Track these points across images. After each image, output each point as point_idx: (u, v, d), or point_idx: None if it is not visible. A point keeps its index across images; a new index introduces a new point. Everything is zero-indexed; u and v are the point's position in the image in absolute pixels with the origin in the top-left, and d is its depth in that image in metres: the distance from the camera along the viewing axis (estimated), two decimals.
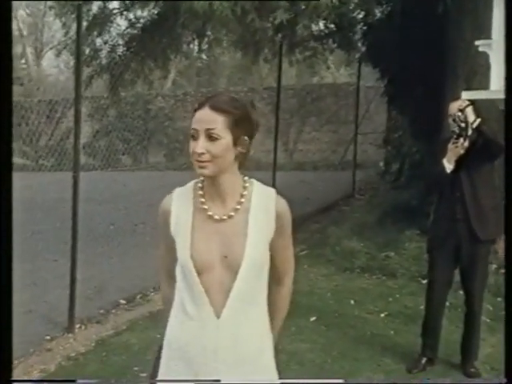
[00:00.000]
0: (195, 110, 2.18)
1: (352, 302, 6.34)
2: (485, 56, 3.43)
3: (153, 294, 6.65)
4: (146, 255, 7.77)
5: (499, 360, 4.79)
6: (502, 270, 6.44)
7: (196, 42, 9.37)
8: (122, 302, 6.48)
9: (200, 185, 2.28)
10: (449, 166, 4.39)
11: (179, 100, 20.90)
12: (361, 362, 4.88)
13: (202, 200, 2.24)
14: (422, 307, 5.77)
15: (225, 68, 26.60)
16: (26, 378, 4.38)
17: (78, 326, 5.78)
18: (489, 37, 2.52)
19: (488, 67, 6.39)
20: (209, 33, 8.04)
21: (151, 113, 20.31)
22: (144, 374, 4.72)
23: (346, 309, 6.15)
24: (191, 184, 2.32)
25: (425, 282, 6.61)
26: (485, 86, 5.83)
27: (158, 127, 20.07)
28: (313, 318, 5.81)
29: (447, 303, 5.01)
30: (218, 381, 2.29)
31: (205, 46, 9.26)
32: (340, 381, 3.76)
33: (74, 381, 4.21)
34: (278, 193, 2.36)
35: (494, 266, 6.34)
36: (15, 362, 5.03)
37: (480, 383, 4.05)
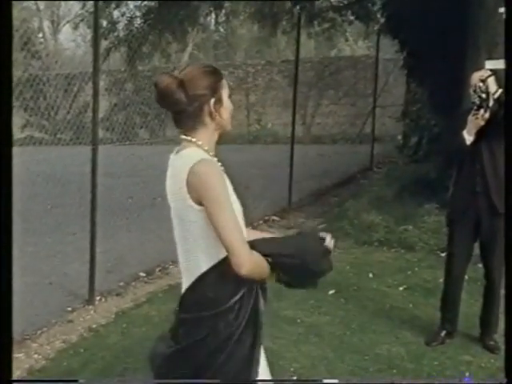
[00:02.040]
0: (221, 79, 2.40)
1: (371, 275, 6.34)
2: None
3: (172, 267, 6.69)
4: (164, 228, 7.80)
5: None
6: None
7: (213, 15, 9.31)
8: (142, 274, 6.53)
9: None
10: (469, 137, 4.31)
11: None
12: (379, 335, 4.89)
13: None
14: (441, 280, 5.76)
15: (242, 41, 26.43)
16: (28, 378, 4.42)
17: (98, 298, 5.85)
18: None
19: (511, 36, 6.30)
20: (226, 4, 7.97)
21: None
22: None
23: (365, 282, 6.15)
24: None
25: (443, 255, 6.58)
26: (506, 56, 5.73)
27: None
28: (332, 292, 5.82)
29: (466, 277, 5.01)
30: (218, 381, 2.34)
31: (222, 19, 9.18)
32: (335, 381, 3.78)
33: (76, 381, 4.24)
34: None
35: None
36: (38, 331, 5.11)
37: (480, 383, 4.04)
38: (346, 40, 16.05)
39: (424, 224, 7.43)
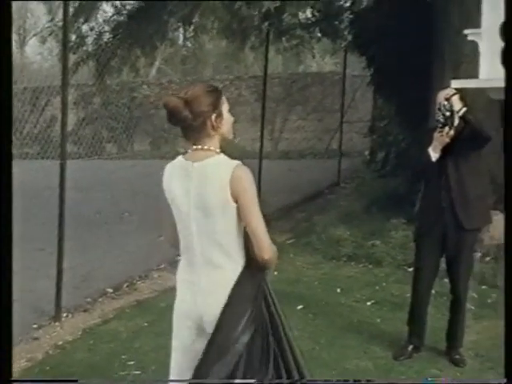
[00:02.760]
0: (221, 96, 2.80)
1: (339, 290, 6.37)
2: (472, 44, 3.46)
3: (140, 283, 6.65)
4: (132, 243, 7.77)
5: (484, 346, 4.86)
6: (487, 258, 6.52)
7: (182, 30, 9.33)
8: (109, 290, 6.48)
9: None
10: (434, 154, 4.39)
11: (165, 88, 20.81)
12: (348, 350, 4.91)
13: None
14: (409, 295, 5.81)
15: (210, 56, 26.49)
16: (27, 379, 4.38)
17: (64, 314, 5.78)
18: (477, 26, 2.52)
19: (475, 56, 6.44)
20: (195, 20, 8.00)
21: (136, 101, 20.21)
22: (131, 362, 4.73)
23: (333, 297, 6.18)
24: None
25: (411, 270, 6.65)
26: (472, 74, 5.85)
27: (144, 115, 19.98)
28: (300, 307, 5.83)
29: (433, 291, 5.07)
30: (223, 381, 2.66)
31: (191, 34, 9.21)
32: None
33: (75, 381, 4.24)
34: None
35: (479, 255, 6.40)
36: None
37: (480, 383, 4.09)
38: (314, 56, 16.19)
39: (391, 239, 7.49)
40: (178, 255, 7.93)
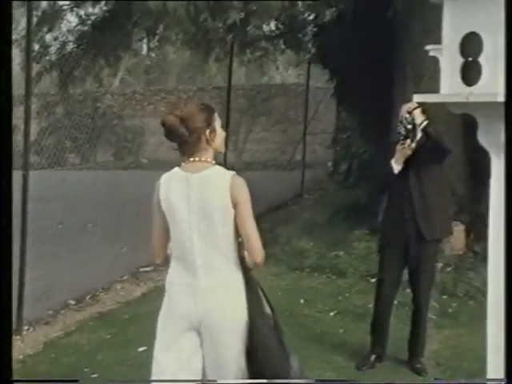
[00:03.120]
0: (214, 113, 3.08)
1: (302, 301, 6.40)
2: (432, 59, 3.52)
3: (103, 294, 6.60)
4: (95, 254, 7.70)
5: (444, 355, 4.94)
6: (448, 268, 6.62)
7: (146, 40, 9.32)
8: (72, 302, 6.41)
9: None
10: (397, 166, 4.47)
11: (128, 98, 20.74)
12: (311, 360, 4.92)
13: None
14: (371, 305, 5.88)
15: (174, 66, 26.45)
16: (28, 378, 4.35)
17: (26, 327, 5.69)
18: (438, 41, 2.58)
19: (436, 70, 6.56)
20: (160, 31, 8.00)
21: (99, 111, 20.09)
22: (95, 375, 4.69)
23: (297, 308, 6.20)
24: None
25: (373, 280, 6.73)
26: (432, 88, 5.96)
27: (107, 125, 19.89)
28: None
29: (395, 301, 5.13)
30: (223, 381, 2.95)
31: (155, 44, 9.21)
32: (311, 381, 3.86)
33: (76, 381, 4.25)
34: None
35: (440, 265, 6.49)
36: None
37: (480, 383, 4.14)
38: (277, 68, 16.31)
39: (354, 250, 7.56)
40: (141, 267, 7.89)
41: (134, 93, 21.22)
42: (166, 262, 3.17)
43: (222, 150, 3.15)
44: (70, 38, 8.36)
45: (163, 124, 2.98)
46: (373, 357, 4.82)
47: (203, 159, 3.01)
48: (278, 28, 9.43)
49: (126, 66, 23.63)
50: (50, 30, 7.95)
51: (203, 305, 2.97)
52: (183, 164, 3.04)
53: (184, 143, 3.00)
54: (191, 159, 3.02)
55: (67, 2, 7.93)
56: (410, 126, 4.32)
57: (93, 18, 8.12)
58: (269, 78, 26.05)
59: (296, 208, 11.78)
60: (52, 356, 5.12)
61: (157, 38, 8.52)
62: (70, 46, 8.37)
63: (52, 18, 7.54)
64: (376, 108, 9.02)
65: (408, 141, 4.35)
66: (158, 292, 6.64)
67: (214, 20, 5.87)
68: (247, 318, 2.98)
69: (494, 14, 2.27)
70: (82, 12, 8.14)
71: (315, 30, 10.14)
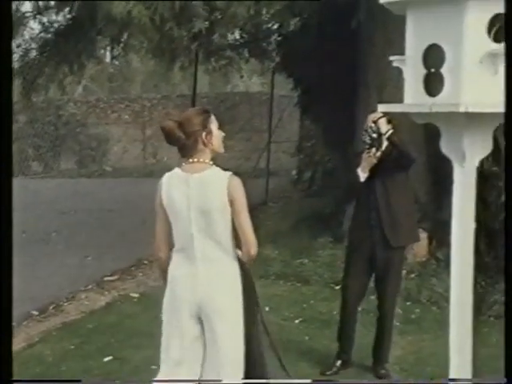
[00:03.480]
0: (210, 116, 3.31)
1: (267, 308, 6.39)
2: (395, 69, 3.61)
3: (66, 304, 6.53)
4: (59, 264, 7.62)
5: (408, 361, 5.00)
6: (412, 275, 6.70)
7: (110, 48, 9.27)
8: (35, 312, 6.32)
9: None
10: (363, 174, 4.53)
11: (91, 106, 20.58)
12: (277, 368, 4.94)
13: None
14: (336, 312, 5.93)
15: (137, 74, 26.34)
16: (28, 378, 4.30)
17: None
18: (400, 51, 2.64)
19: (399, 80, 6.66)
20: (124, 39, 7.98)
21: (63, 119, 19.90)
22: None
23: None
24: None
25: (338, 287, 6.78)
26: (395, 97, 6.05)
27: (70, 133, 19.71)
28: None
29: (360, 308, 5.17)
30: (220, 381, 3.21)
31: (120, 52, 9.16)
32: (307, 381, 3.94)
33: (79, 381, 4.25)
34: None
35: (404, 272, 6.57)
36: None
37: (480, 383, 4.19)
38: (242, 77, 16.37)
39: (319, 257, 7.60)
40: (106, 276, 7.85)
41: (97, 100, 21.06)
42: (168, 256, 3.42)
43: (221, 150, 3.38)
44: (33, 45, 8.28)
45: (162, 129, 3.21)
46: (338, 362, 4.86)
47: (201, 160, 3.25)
48: (242, 37, 9.48)
49: (89, 74, 23.47)
50: (12, 38, 7.85)
51: (202, 293, 3.23)
52: (183, 165, 3.28)
53: (182, 146, 3.23)
54: (190, 160, 3.25)
55: (30, 9, 7.85)
56: (375, 135, 4.38)
57: (56, 25, 8.06)
58: (233, 86, 26.10)
59: (260, 216, 11.78)
60: (15, 368, 5.04)
61: (121, 45, 8.48)
62: (33, 54, 8.29)
63: (15, 25, 7.46)
64: (340, 117, 9.11)
65: (373, 149, 4.42)
66: (123, 301, 6.64)
67: (180, 29, 5.88)
68: (243, 310, 3.28)
69: (456, 26, 2.33)
70: (45, 19, 8.07)
71: (279, 39, 10.21)
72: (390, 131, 4.39)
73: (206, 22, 5.85)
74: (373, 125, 4.40)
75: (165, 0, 5.43)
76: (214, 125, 3.31)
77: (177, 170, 3.31)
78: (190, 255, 3.27)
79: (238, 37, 9.44)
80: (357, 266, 4.76)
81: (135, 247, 9.05)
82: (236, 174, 3.32)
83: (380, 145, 4.41)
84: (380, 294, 4.77)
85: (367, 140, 4.42)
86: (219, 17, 6.48)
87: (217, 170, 3.28)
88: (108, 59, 22.12)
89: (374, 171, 4.52)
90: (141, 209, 12.32)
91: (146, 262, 8.24)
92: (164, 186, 3.30)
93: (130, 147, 20.16)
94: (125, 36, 7.56)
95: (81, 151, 19.79)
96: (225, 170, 3.33)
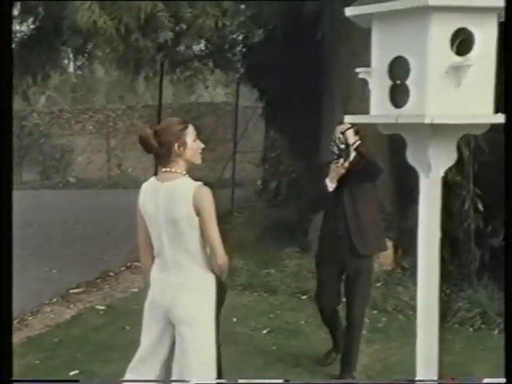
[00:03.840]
0: (186, 127, 3.35)
1: (235, 319, 6.40)
2: (360, 80, 3.67)
3: (31, 318, 6.44)
4: (23, 277, 7.51)
5: (375, 369, 5.05)
6: (378, 284, 6.76)
7: (73, 58, 9.20)
8: None
9: None
10: (331, 185, 4.58)
11: (55, 117, 20.37)
12: (245, 378, 4.94)
13: None
14: (303, 322, 5.96)
15: (101, 84, 26.15)
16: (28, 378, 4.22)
17: None
18: (364, 62, 2.68)
19: (364, 91, 6.74)
20: (88, 49, 7.93)
21: (26, 129, 19.66)
22: None
23: (229, 326, 6.18)
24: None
25: (305, 297, 6.83)
26: (360, 108, 6.12)
27: (33, 144, 19.49)
28: None
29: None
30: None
31: (84, 62, 9.10)
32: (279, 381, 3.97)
33: (77, 381, 4.22)
34: None
35: None
36: None
37: (480, 383, 4.22)
38: (207, 87, 16.37)
39: (285, 268, 7.62)
40: (71, 288, 7.79)
41: (61, 111, 20.84)
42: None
43: (197, 161, 3.41)
44: None
45: (139, 137, 3.30)
46: (333, 354, 5.06)
47: (173, 170, 3.30)
48: (207, 47, 9.50)
49: (52, 84, 23.24)
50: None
51: (171, 299, 3.34)
52: (159, 173, 3.38)
53: (157, 155, 3.32)
54: (163, 170, 3.33)
55: None
56: (343, 146, 4.45)
57: (19, 35, 7.97)
58: (197, 96, 26.09)
59: (226, 226, 11.78)
60: None
61: (86, 56, 8.43)
62: None
63: None
64: (305, 127, 9.18)
65: (341, 160, 4.49)
66: (89, 314, 6.57)
67: (145, 39, 5.87)
68: (214, 321, 3.38)
69: (420, 38, 2.37)
70: None
71: (244, 50, 10.26)
72: (358, 142, 4.45)
73: (172, 33, 5.85)
74: (341, 136, 4.46)
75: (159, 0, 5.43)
76: (189, 136, 3.35)
77: (152, 179, 3.40)
78: (164, 261, 3.38)
79: (203, 47, 9.45)
80: (328, 274, 4.82)
81: (101, 259, 8.98)
82: (206, 184, 3.32)
83: (348, 155, 4.47)
84: (349, 302, 4.80)
85: (335, 151, 4.48)
86: (185, 27, 6.49)
87: (187, 179, 3.31)
88: (71, 69, 21.95)
89: (341, 181, 4.58)
90: (106, 220, 12.30)
91: (111, 273, 8.17)
92: (141, 195, 3.40)
93: (95, 158, 20.00)
94: (89, 46, 7.52)
95: (44, 162, 19.56)
96: (196, 180, 3.34)
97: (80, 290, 7.34)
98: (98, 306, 6.83)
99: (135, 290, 7.46)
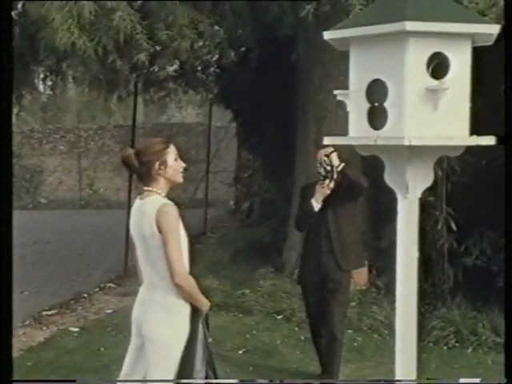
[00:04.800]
0: (167, 147, 3.40)
1: (210, 339, 6.37)
2: (333, 102, 3.74)
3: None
4: None
5: None
6: (353, 304, 6.79)
7: (44, 78, 9.14)
8: None
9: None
10: (317, 205, 4.76)
11: (26, 136, 20.20)
12: None
13: None
14: (279, 342, 5.97)
15: (73, 104, 26.02)
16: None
17: None
18: (337, 84, 2.73)
19: (336, 112, 6.83)
20: (63, 69, 7.91)
21: None
22: None
23: None
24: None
25: (280, 317, 6.84)
26: (333, 130, 6.18)
27: None
28: None
29: (302, 337, 5.21)
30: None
31: (56, 82, 9.05)
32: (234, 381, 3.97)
33: (74, 381, 4.20)
34: None
35: None
36: None
37: (480, 383, 4.23)
38: (180, 108, 16.41)
39: (260, 288, 7.61)
40: (44, 310, 7.68)
41: (31, 131, 20.68)
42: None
43: (178, 180, 3.44)
44: None
45: (121, 156, 3.37)
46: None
47: (150, 189, 3.35)
48: (181, 68, 9.53)
49: (21, 104, 23.04)
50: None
51: (141, 314, 3.40)
52: (141, 193, 3.43)
53: (138, 174, 3.40)
54: (144, 188, 3.39)
55: None
56: (329, 168, 4.62)
57: None
58: (168, 116, 26.10)
59: (200, 246, 11.75)
60: None
61: (59, 76, 8.40)
62: None
63: None
64: (278, 148, 9.23)
65: (327, 181, 4.63)
66: (63, 336, 6.50)
67: (123, 61, 5.89)
68: (179, 341, 3.31)
69: (397, 62, 2.42)
70: None
71: (218, 71, 10.31)
72: (342, 164, 4.61)
73: (148, 55, 5.88)
74: (326, 158, 4.64)
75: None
76: (170, 156, 3.39)
77: (137, 198, 3.48)
78: (140, 277, 3.50)
79: (177, 68, 9.48)
80: (312, 290, 4.97)
81: (74, 280, 8.89)
82: (175, 203, 3.33)
83: (333, 177, 4.63)
84: (329, 315, 4.85)
85: (322, 172, 4.66)
86: (159, 49, 6.51)
87: (157, 197, 3.33)
88: (41, 89, 21.81)
89: (326, 202, 4.76)
90: (78, 241, 12.20)
91: (85, 295, 8.09)
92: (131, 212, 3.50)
93: (66, 178, 19.84)
94: (63, 66, 7.50)
95: (14, 182, 19.36)
96: (172, 200, 3.36)
97: (53, 311, 7.25)
98: (71, 328, 6.75)
99: (109, 311, 7.39)
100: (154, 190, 3.35)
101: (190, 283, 3.36)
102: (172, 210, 3.28)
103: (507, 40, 2.46)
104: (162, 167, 3.34)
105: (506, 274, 2.52)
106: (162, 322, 3.34)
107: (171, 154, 3.40)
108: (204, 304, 3.48)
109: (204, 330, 3.47)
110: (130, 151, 3.36)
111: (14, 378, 4.08)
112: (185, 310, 3.38)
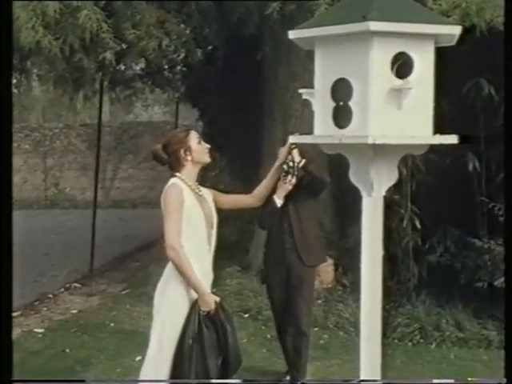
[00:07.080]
0: (188, 133, 3.71)
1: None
2: (299, 101, 3.75)
3: None
4: None
5: None
6: (319, 301, 6.83)
7: (13, 77, 9.03)
8: None
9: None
10: (279, 201, 4.73)
11: None
12: None
13: None
14: (245, 340, 5.97)
15: (38, 102, 25.71)
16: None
17: None
18: (303, 83, 2.74)
19: (303, 111, 6.86)
20: (27, 67, 7.81)
21: None
22: None
23: None
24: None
25: (247, 315, 6.85)
26: (299, 128, 6.21)
27: None
28: (138, 358, 5.74)
29: (269, 335, 5.20)
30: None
31: (20, 80, 8.94)
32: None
33: (83, 381, 4.20)
34: None
35: None
36: None
37: (480, 383, 4.26)
38: (147, 106, 16.31)
39: (227, 286, 7.61)
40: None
41: None
42: None
43: (206, 160, 3.75)
44: None
45: (151, 153, 3.70)
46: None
47: (176, 174, 3.64)
48: (148, 67, 9.48)
49: None
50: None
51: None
52: None
53: (169, 165, 3.67)
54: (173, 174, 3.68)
55: None
56: (291, 164, 4.62)
57: None
58: (135, 115, 25.95)
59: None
60: None
61: (23, 74, 8.29)
62: None
63: None
64: (245, 147, 9.24)
65: (289, 176, 4.64)
66: (27, 337, 6.42)
67: (89, 60, 5.84)
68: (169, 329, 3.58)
69: (362, 61, 2.44)
70: None
71: (185, 69, 10.28)
72: (304, 160, 4.62)
73: (114, 53, 5.83)
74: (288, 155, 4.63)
75: None
76: (193, 140, 3.65)
77: None
78: None
79: (143, 67, 9.43)
80: (276, 287, 4.98)
81: (39, 281, 8.79)
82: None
83: (294, 172, 4.63)
84: (295, 311, 4.87)
85: (284, 168, 4.64)
86: (125, 47, 6.47)
87: (171, 180, 3.61)
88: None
89: (287, 197, 4.75)
90: (43, 241, 12.05)
91: (50, 295, 8.00)
92: None
93: (31, 177, 19.58)
94: (28, 64, 7.41)
95: None
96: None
97: (17, 313, 7.16)
98: (36, 330, 6.67)
99: (74, 311, 7.32)
100: (178, 175, 3.62)
101: (180, 258, 3.57)
102: (173, 189, 3.56)
103: (507, 40, 2.48)
104: (188, 152, 3.61)
105: (506, 274, 2.54)
106: (158, 307, 3.72)
107: (193, 139, 3.66)
108: (201, 291, 3.70)
109: (201, 328, 3.57)
110: (158, 146, 3.67)
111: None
112: (181, 291, 3.67)
